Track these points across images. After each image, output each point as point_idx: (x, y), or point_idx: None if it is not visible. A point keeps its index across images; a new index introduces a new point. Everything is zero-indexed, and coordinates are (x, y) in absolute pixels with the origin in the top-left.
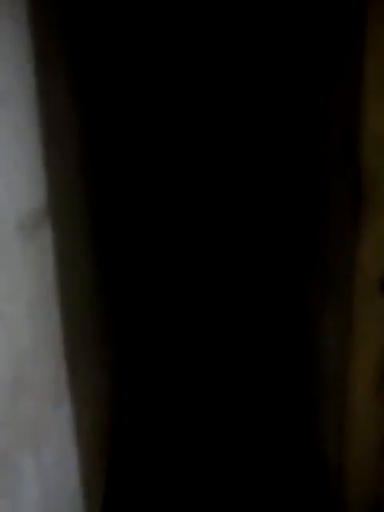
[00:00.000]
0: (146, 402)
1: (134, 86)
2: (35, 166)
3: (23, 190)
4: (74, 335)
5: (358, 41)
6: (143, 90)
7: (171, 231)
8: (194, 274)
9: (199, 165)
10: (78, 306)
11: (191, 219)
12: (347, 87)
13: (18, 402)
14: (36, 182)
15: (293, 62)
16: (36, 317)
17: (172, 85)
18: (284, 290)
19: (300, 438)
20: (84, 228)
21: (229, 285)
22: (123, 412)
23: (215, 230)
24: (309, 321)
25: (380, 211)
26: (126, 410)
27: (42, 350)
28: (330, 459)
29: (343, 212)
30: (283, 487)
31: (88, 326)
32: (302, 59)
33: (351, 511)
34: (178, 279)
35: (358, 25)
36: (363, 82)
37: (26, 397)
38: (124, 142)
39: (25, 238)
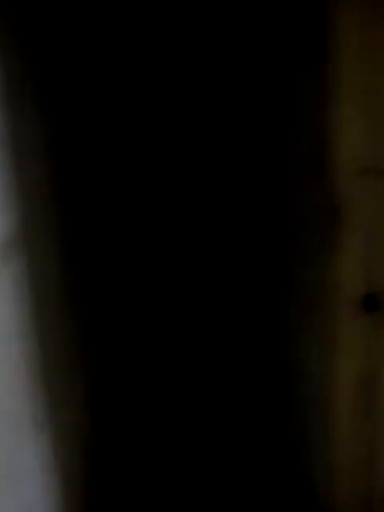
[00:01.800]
0: (124, 429)
1: (102, 102)
2: (6, 193)
3: None
4: (48, 362)
5: (325, 51)
6: (111, 106)
7: (145, 256)
8: (172, 300)
9: (169, 186)
10: (52, 335)
11: (165, 243)
12: (316, 99)
13: None
14: (8, 209)
15: (265, 71)
16: (11, 347)
17: (140, 103)
18: (262, 309)
19: (285, 465)
20: (57, 254)
21: (205, 306)
22: (101, 441)
23: (188, 250)
24: (288, 340)
25: (354, 227)
26: (104, 440)
27: (15, 381)
28: (318, 485)
29: (317, 228)
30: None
31: (63, 353)
32: (275, 69)
33: None
34: (153, 305)
35: (324, 36)
36: (331, 93)
37: (2, 428)
38: (94, 164)
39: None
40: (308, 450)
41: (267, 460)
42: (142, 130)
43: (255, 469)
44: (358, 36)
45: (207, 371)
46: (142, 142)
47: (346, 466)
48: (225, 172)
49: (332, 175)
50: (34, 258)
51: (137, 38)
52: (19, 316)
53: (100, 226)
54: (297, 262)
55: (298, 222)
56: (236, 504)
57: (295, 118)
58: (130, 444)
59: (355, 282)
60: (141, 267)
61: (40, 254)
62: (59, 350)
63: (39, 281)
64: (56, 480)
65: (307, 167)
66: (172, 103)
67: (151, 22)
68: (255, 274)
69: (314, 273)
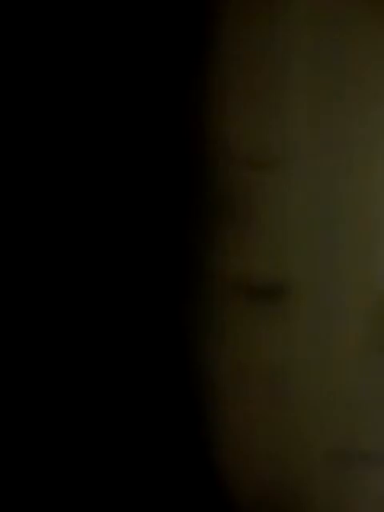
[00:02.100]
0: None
1: None
2: None
3: None
4: None
5: (206, 39)
6: None
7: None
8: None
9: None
10: None
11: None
12: (201, 90)
13: None
14: None
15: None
16: None
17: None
18: (159, 297)
19: (186, 446)
20: None
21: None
22: None
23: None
24: (185, 328)
25: (240, 218)
26: None
27: None
28: (217, 463)
29: (207, 218)
30: (170, 491)
31: None
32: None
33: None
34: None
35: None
36: (215, 84)
37: None
38: None
39: None
40: (204, 441)
41: (165, 449)
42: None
43: (154, 459)
44: (236, 23)
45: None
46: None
47: (234, 457)
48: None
49: (217, 165)
50: None
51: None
52: None
53: None
54: (191, 250)
55: (193, 211)
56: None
57: (182, 108)
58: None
59: (242, 271)
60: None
61: None
62: None
63: None
64: None
65: (195, 157)
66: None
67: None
68: (150, 258)
69: (205, 262)
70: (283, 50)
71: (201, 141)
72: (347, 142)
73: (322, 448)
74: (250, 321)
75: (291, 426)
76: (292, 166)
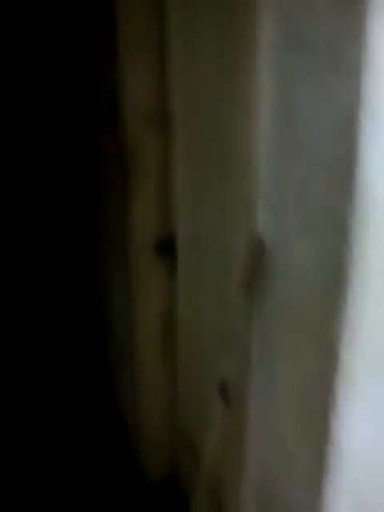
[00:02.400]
0: None
1: None
2: None
3: None
4: None
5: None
6: None
7: None
8: None
9: None
10: None
11: None
12: (106, 53)
13: None
14: None
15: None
16: None
17: None
18: (75, 252)
19: (100, 402)
20: None
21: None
22: None
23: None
24: (102, 284)
25: (144, 176)
26: None
27: None
28: (127, 415)
29: (115, 174)
30: (85, 449)
31: None
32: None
33: (150, 462)
34: None
35: None
36: (118, 47)
37: None
38: None
39: None
40: (122, 393)
41: (84, 402)
42: None
43: (72, 414)
44: None
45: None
46: None
47: (151, 406)
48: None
49: (121, 123)
50: None
51: None
52: None
53: None
54: (101, 209)
55: (102, 166)
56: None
57: (92, 71)
58: None
59: (149, 227)
60: None
61: None
62: None
63: None
64: None
65: (103, 122)
66: None
67: None
68: (65, 218)
69: (114, 220)
70: (170, 32)
71: (109, 98)
72: (214, 102)
73: (212, 384)
74: (153, 274)
75: (186, 368)
76: (176, 122)
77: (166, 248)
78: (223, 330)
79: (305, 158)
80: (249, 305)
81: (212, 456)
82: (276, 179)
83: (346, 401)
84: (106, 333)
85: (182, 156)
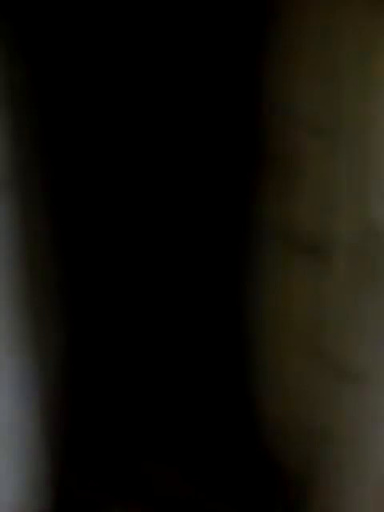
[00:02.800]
0: (105, 357)
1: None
2: None
3: None
4: (34, 289)
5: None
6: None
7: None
8: (139, 246)
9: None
10: (38, 270)
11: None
12: (268, 57)
13: None
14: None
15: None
16: None
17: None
18: (220, 246)
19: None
20: (45, 199)
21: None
22: (83, 365)
23: (160, 206)
24: (244, 283)
25: (299, 176)
26: (86, 364)
27: None
28: (264, 413)
29: (269, 175)
30: (219, 439)
31: (45, 285)
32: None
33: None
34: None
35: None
36: (283, 53)
37: None
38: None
39: None
40: (254, 386)
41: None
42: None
43: (206, 404)
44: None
45: (174, 305)
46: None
47: (289, 396)
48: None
49: (283, 128)
50: (21, 198)
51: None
52: (7, 247)
53: (87, 176)
54: (252, 203)
55: (256, 166)
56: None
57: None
58: (110, 373)
59: (299, 226)
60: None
61: (27, 197)
62: (42, 280)
63: (27, 219)
64: (36, 400)
65: (265, 121)
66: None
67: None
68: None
69: (265, 216)
70: (333, 43)
71: (263, 103)
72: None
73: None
74: (292, 273)
75: (317, 368)
76: (338, 135)
77: (313, 248)
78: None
79: None
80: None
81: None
82: None
83: None
84: (242, 331)
85: (337, 164)
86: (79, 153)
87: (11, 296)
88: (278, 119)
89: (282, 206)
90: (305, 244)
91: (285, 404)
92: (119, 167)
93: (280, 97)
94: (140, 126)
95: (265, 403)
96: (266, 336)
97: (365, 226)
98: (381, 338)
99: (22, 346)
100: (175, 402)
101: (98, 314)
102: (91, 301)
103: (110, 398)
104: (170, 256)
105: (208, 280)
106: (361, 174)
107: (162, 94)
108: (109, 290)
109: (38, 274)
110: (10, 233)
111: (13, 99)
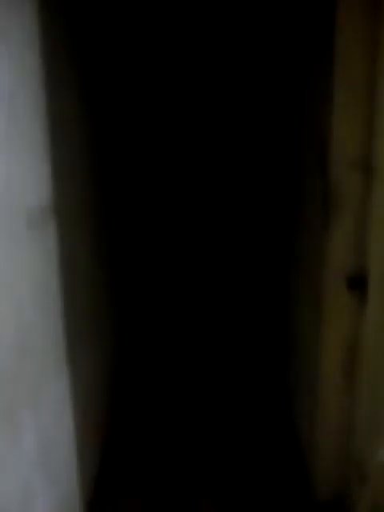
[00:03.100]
0: (141, 375)
1: (136, 86)
2: (43, 165)
3: (33, 188)
4: (76, 314)
5: (329, 60)
6: (144, 91)
7: (169, 227)
8: (187, 265)
9: (195, 163)
10: (80, 290)
11: (187, 215)
12: (322, 103)
13: (21, 365)
14: (44, 180)
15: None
16: (39, 295)
17: (169, 94)
18: (270, 280)
19: (277, 416)
20: (87, 223)
21: (219, 276)
22: (120, 382)
23: (207, 225)
24: (289, 309)
25: (345, 217)
26: (123, 381)
27: (43, 323)
28: (303, 436)
29: (317, 214)
30: (261, 461)
31: (89, 306)
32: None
33: (320, 482)
34: (173, 268)
35: (328, 43)
36: (333, 100)
37: (28, 361)
38: (126, 141)
39: (33, 230)
40: (299, 414)
41: (263, 422)
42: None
43: (252, 431)
44: (361, 42)
45: (215, 329)
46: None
47: (328, 429)
48: (248, 165)
49: (330, 166)
50: (65, 224)
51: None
52: (50, 270)
53: (127, 200)
54: (301, 240)
55: (305, 203)
56: (235, 458)
57: (306, 118)
58: (145, 390)
59: (343, 261)
60: (166, 241)
61: (72, 222)
62: (88, 300)
63: (69, 244)
64: (74, 409)
65: (313, 164)
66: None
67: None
68: (268, 251)
69: (312, 253)
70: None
71: (320, 143)
72: None
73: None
74: (342, 306)
75: (366, 396)
76: (378, 171)
77: (358, 283)
78: None
79: None
80: None
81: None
82: None
83: None
84: (289, 356)
85: (377, 199)
86: (115, 180)
87: (54, 320)
88: (328, 157)
89: (326, 239)
90: (345, 277)
91: (328, 433)
92: (167, 203)
93: (332, 132)
94: (204, 169)
95: (310, 433)
96: (310, 363)
97: None
98: None
99: (64, 367)
100: (214, 428)
101: (137, 339)
102: (130, 324)
103: (146, 422)
104: (217, 289)
105: (258, 310)
106: None
107: (236, 146)
108: (148, 314)
109: (78, 298)
110: (53, 259)
111: (64, 134)
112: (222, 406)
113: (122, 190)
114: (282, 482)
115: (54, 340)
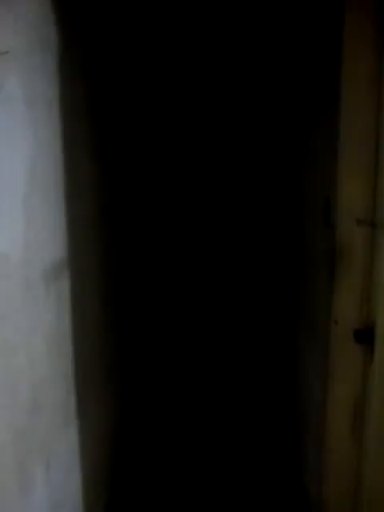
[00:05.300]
0: (146, 423)
1: (142, 140)
2: (59, 221)
3: (50, 244)
4: (84, 367)
5: (334, 108)
6: (151, 146)
7: (176, 274)
8: (193, 313)
9: (199, 212)
10: (88, 343)
11: (192, 262)
12: (327, 155)
13: (33, 420)
14: (60, 236)
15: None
16: (53, 350)
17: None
18: (277, 332)
19: (285, 470)
20: (96, 275)
21: (228, 326)
22: (125, 431)
23: (214, 280)
24: (297, 362)
25: (351, 270)
26: (128, 430)
27: (55, 378)
28: (311, 490)
29: (323, 267)
30: None
31: (96, 359)
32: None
33: None
34: (181, 321)
35: (334, 95)
36: (339, 154)
37: (40, 416)
38: (132, 189)
39: (47, 284)
40: (306, 467)
41: (270, 470)
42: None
43: (260, 484)
44: (367, 94)
45: (225, 383)
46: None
47: (336, 483)
48: (254, 216)
49: (336, 223)
50: (77, 277)
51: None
52: (63, 324)
53: (134, 256)
54: (307, 292)
55: (310, 259)
56: (240, 501)
57: (312, 171)
58: (150, 439)
59: (350, 316)
60: (173, 288)
61: (83, 275)
62: (97, 350)
63: (81, 297)
64: (82, 461)
65: (319, 217)
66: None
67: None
68: (272, 300)
69: (319, 306)
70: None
71: (325, 199)
72: None
73: None
74: (349, 360)
75: (374, 451)
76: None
77: (365, 336)
78: None
79: None
80: None
81: None
82: None
83: None
84: (296, 409)
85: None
86: (128, 229)
87: (66, 373)
88: (334, 212)
89: (332, 291)
90: (352, 330)
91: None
92: (176, 248)
93: (336, 189)
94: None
95: (317, 484)
96: (319, 413)
97: None
98: None
99: (75, 420)
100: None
101: (145, 389)
102: (138, 374)
103: (152, 472)
104: (225, 338)
105: (265, 362)
106: None
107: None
108: (156, 363)
109: (87, 349)
110: (65, 310)
111: (78, 190)
112: (230, 459)
113: (126, 237)
114: None
115: (65, 394)
